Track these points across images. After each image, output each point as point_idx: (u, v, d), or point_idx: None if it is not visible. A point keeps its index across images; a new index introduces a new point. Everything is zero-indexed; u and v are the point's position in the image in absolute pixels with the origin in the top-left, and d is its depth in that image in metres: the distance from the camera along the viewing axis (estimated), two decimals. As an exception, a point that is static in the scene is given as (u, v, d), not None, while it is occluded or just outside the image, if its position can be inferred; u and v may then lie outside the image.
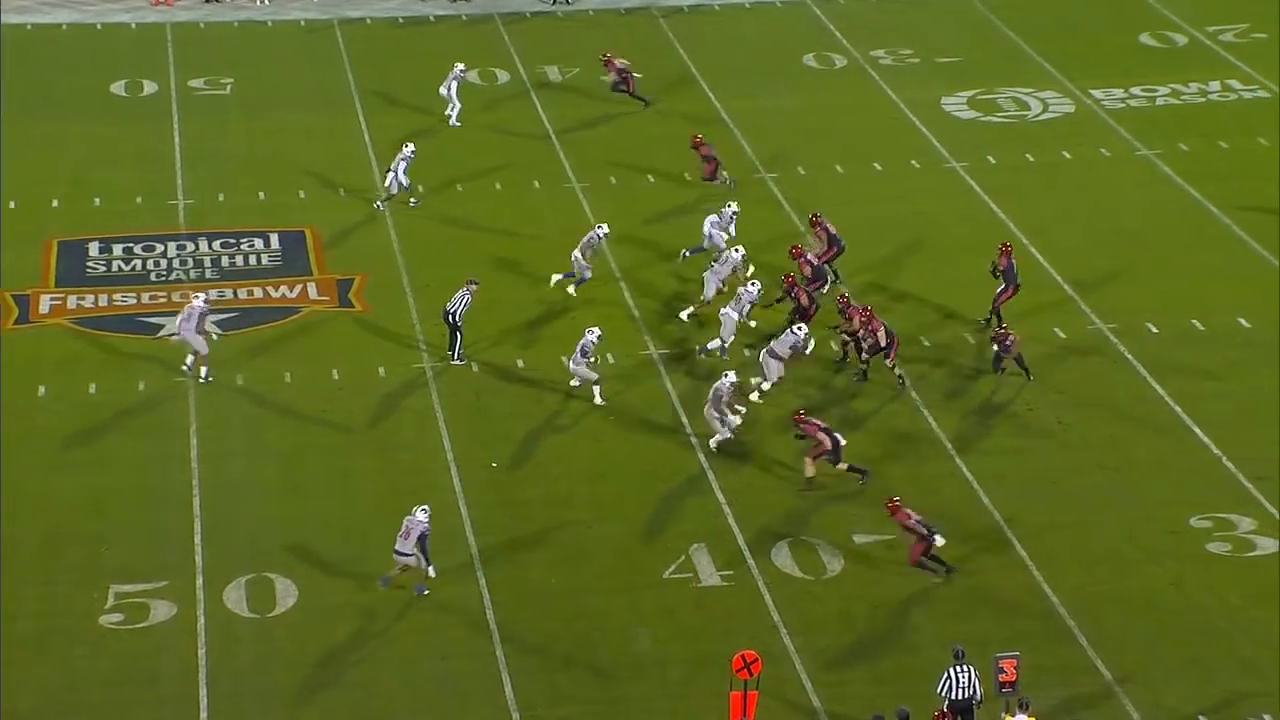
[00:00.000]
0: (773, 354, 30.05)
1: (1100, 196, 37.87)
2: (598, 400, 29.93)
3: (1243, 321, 32.73)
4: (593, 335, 30.11)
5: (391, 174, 37.07)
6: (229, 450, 29.10)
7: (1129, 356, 31.66)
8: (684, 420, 30.16)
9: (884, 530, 27.03)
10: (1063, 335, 32.53)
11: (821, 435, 27.78)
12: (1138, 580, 25.95)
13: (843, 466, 27.90)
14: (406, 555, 25.66)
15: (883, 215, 37.35)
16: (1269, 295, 33.66)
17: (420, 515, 25.71)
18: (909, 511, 25.87)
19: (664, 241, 36.27)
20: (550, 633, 25.28)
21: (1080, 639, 24.92)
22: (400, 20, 47.47)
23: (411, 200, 37.40)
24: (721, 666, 23.48)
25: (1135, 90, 43.32)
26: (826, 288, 32.90)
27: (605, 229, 34.02)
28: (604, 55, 42.47)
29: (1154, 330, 31.77)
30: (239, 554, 26.45)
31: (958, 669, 22.86)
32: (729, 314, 31.38)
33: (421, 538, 25.61)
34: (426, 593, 25.74)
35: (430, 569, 25.85)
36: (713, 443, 28.58)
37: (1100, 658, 24.57)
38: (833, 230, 33.80)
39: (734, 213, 34.74)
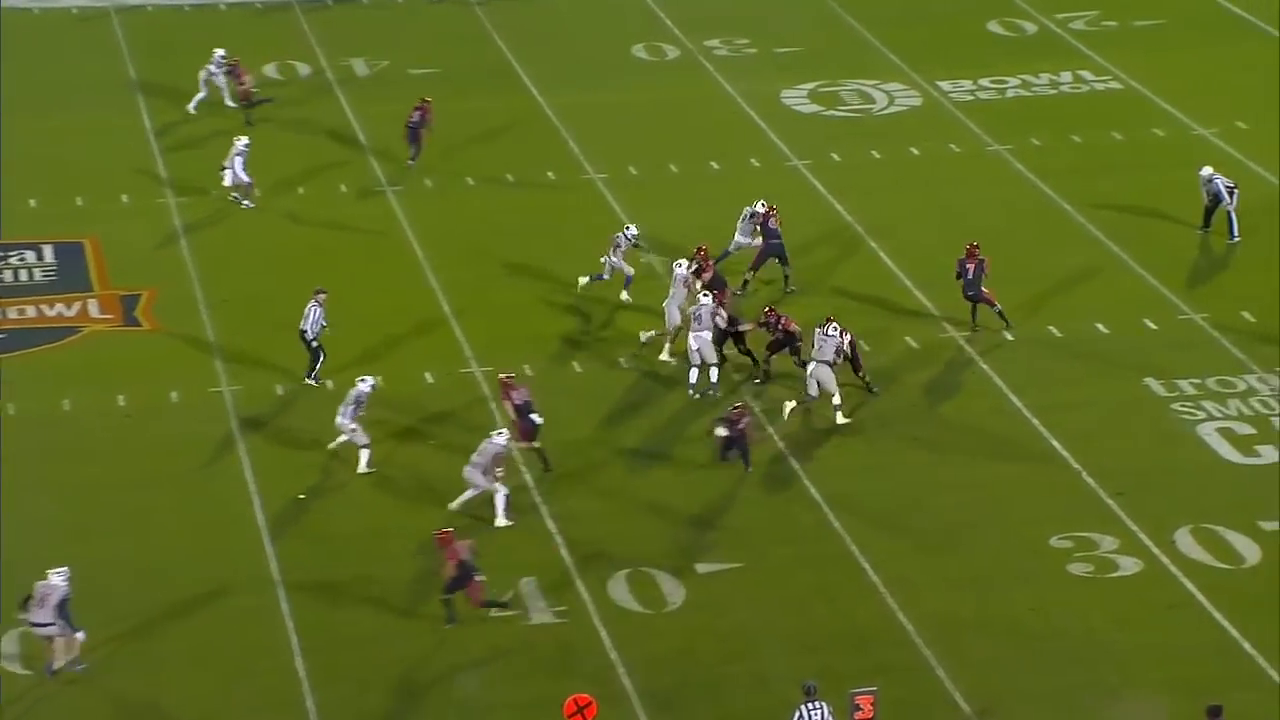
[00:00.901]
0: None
1: (950, 195, 38.28)
2: (363, 469, 28.67)
3: (1100, 327, 33.21)
4: (366, 385, 28.90)
5: (229, 170, 36.40)
6: (3, 488, 28.26)
7: (984, 366, 31.98)
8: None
9: (730, 558, 26.98)
10: (914, 344, 32.80)
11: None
12: (998, 605, 26.15)
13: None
14: (45, 626, 23.99)
15: (721, 218, 37.42)
16: (1127, 299, 34.19)
17: (56, 579, 24.10)
18: (460, 545, 25.41)
19: (484, 247, 36.07)
20: (366, 680, 24.86)
21: (939, 670, 25.04)
22: (185, 8, 46.74)
23: (245, 202, 36.72)
24: (554, 711, 23.21)
25: (984, 82, 43.89)
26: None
27: (634, 230, 33.90)
28: (231, 60, 41.00)
29: (1009, 337, 32.09)
30: (10, 605, 25.53)
31: (810, 706, 22.83)
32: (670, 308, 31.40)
33: (62, 603, 24.05)
34: (83, 668, 24.51)
35: (79, 634, 24.38)
36: (453, 505, 27.52)
37: (960, 689, 24.72)
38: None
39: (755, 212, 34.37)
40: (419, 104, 39.40)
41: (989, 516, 28.11)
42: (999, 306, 32.80)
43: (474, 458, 27.72)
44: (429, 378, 31.81)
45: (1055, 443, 29.77)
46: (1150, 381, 31.40)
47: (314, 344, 31.05)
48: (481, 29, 46.74)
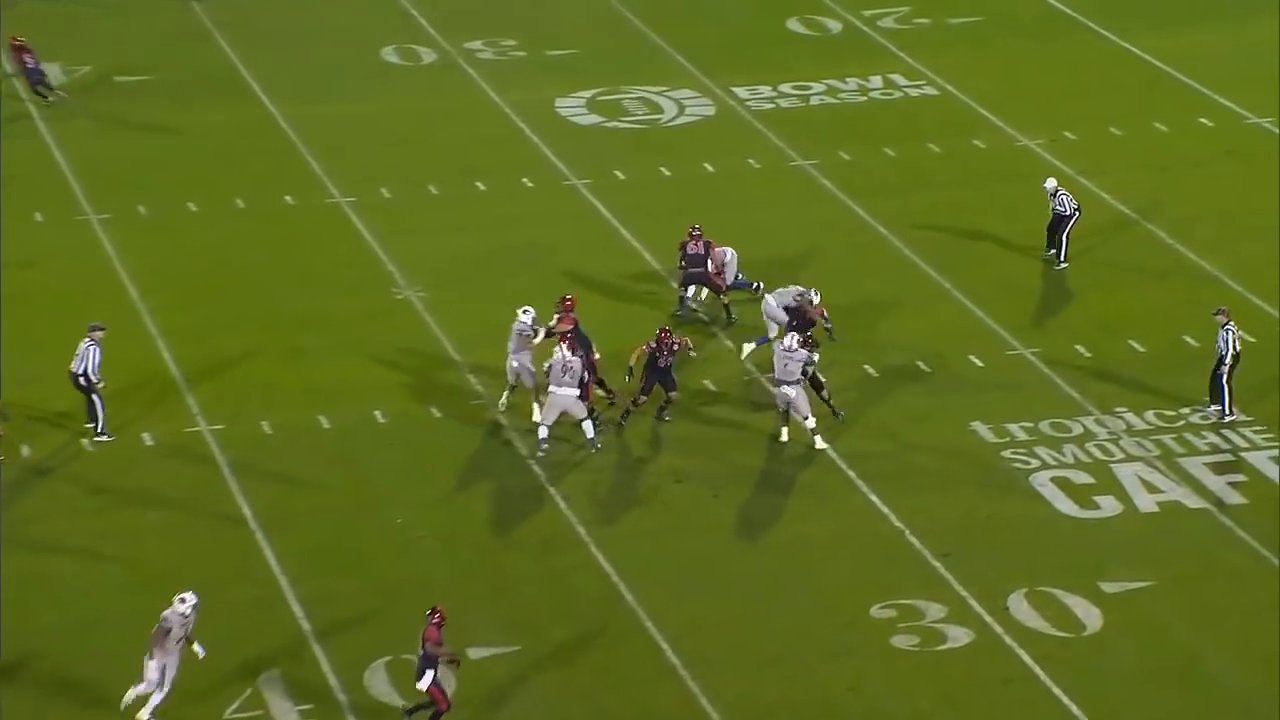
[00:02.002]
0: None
1: (750, 216, 38.63)
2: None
3: (920, 365, 33.77)
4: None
5: None
6: None
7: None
8: (246, 512, 29.72)
9: (505, 640, 27.01)
10: (712, 386, 33.14)
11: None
12: (811, 685, 26.35)
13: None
14: None
15: (490, 246, 37.47)
16: (950, 332, 34.73)
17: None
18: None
19: (210, 284, 35.85)
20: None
21: (747, 763, 25.29)
22: None
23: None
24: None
25: (785, 88, 44.46)
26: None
27: (732, 253, 34.11)
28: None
29: (820, 377, 32.55)
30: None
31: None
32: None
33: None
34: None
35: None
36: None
37: (771, 784, 25.00)
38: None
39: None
40: (16, 44, 39.23)
41: (799, 583, 28.32)
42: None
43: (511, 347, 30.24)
44: (148, 439, 31.51)
45: (873, 497, 30.19)
46: (977, 426, 31.90)
47: (93, 389, 30.60)
48: (200, 28, 46.37)
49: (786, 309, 32.96)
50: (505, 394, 31.99)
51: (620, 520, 29.71)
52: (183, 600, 25.20)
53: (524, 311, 31.68)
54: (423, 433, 31.80)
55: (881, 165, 41.01)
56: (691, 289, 34.86)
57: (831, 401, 31.70)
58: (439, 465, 30.98)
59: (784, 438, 31.18)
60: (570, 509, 29.89)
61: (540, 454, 30.80)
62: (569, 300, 32.06)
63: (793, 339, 30.99)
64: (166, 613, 25.16)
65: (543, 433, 30.84)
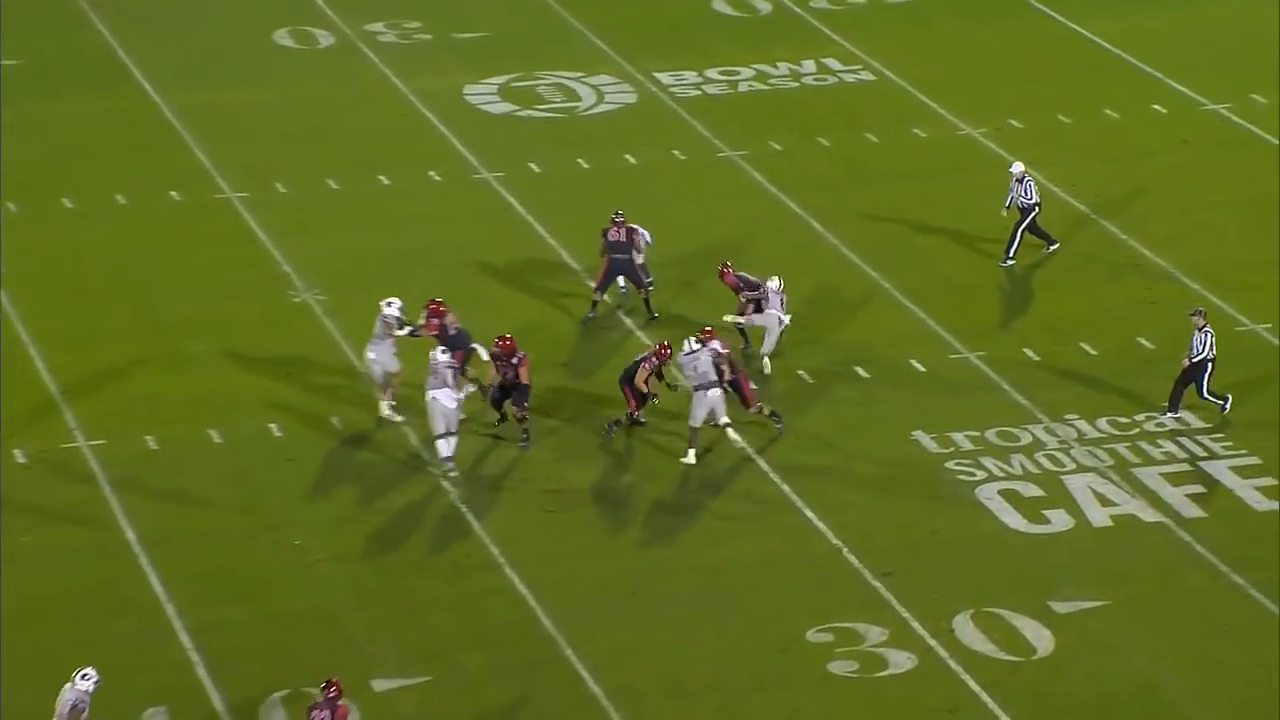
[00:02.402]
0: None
1: (674, 211, 38.65)
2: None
3: (859, 370, 33.78)
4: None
5: None
6: None
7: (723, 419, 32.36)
8: (130, 535, 29.40)
9: (414, 670, 26.86)
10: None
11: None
12: (745, 715, 26.31)
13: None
14: None
15: (394, 245, 37.30)
16: (889, 334, 34.83)
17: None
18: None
19: (89, 289, 35.59)
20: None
21: (675, 801, 25.29)
22: None
23: None
24: None
25: (712, 73, 44.51)
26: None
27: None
28: None
29: (751, 385, 32.46)
30: None
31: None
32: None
33: None
34: None
35: None
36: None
37: (704, 824, 24.94)
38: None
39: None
40: None
41: (730, 606, 28.28)
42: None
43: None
44: (20, 456, 31.20)
45: (808, 512, 30.14)
46: (919, 435, 31.95)
47: None
48: (76, 9, 46.00)
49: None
50: (382, 401, 31.92)
51: (537, 541, 29.62)
52: (85, 677, 24.62)
53: (388, 304, 31.85)
54: (322, 447, 31.67)
55: (816, 156, 41.08)
56: (622, 279, 34.78)
57: (767, 410, 31.48)
58: (340, 482, 30.84)
59: (690, 460, 30.88)
60: (483, 529, 29.78)
61: (451, 473, 30.60)
62: (437, 304, 31.98)
63: (690, 341, 30.76)
64: (69, 694, 24.54)
65: (443, 449, 30.64)
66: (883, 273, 36.61)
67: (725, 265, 33.90)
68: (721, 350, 31.08)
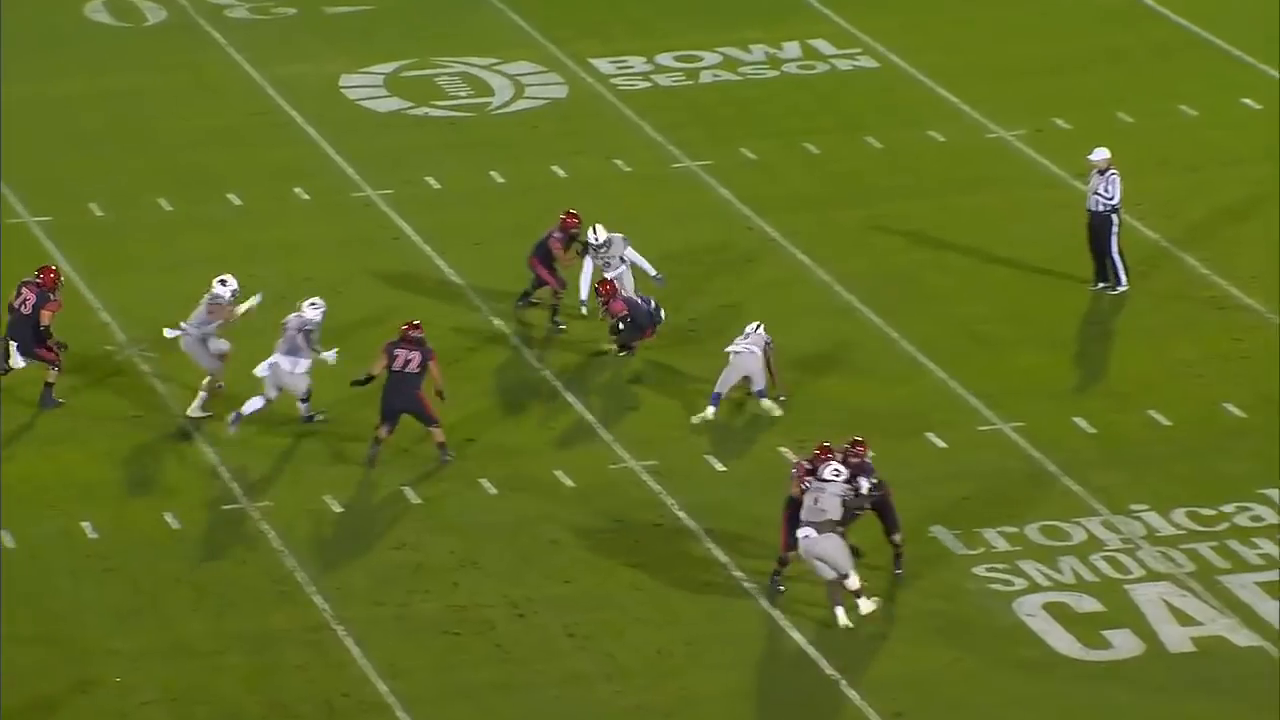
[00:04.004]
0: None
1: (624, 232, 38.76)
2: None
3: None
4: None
5: None
6: None
7: (680, 517, 32.21)
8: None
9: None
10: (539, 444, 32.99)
11: None
12: None
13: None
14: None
15: (247, 286, 37.01)
16: (898, 396, 34.94)
17: None
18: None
19: None
20: None
21: None
22: None
23: None
24: None
25: (665, 59, 44.91)
26: None
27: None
28: None
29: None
30: None
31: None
32: None
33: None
34: None
35: None
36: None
37: None
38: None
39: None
40: None
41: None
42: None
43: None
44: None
45: (796, 635, 29.95)
46: (938, 531, 31.93)
47: None
48: None
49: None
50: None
51: (441, 670, 29.39)
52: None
53: (221, 282, 33.76)
54: (150, 551, 31.60)
55: (800, 168, 41.33)
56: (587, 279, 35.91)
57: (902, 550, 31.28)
58: (174, 597, 30.75)
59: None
60: (366, 655, 29.64)
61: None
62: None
63: (825, 466, 30.29)
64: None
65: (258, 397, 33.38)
66: (888, 318, 36.82)
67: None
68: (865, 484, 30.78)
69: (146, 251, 38.29)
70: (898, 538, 30.81)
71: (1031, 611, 30.26)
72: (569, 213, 35.54)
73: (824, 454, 30.16)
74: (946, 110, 42.96)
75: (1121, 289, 36.90)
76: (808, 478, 30.11)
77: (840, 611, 29.98)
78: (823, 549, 29.79)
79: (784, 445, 33.38)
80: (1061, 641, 29.74)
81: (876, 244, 38.82)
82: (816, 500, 29.93)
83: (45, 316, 33.83)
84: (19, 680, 29.18)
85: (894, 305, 37.07)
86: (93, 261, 38.05)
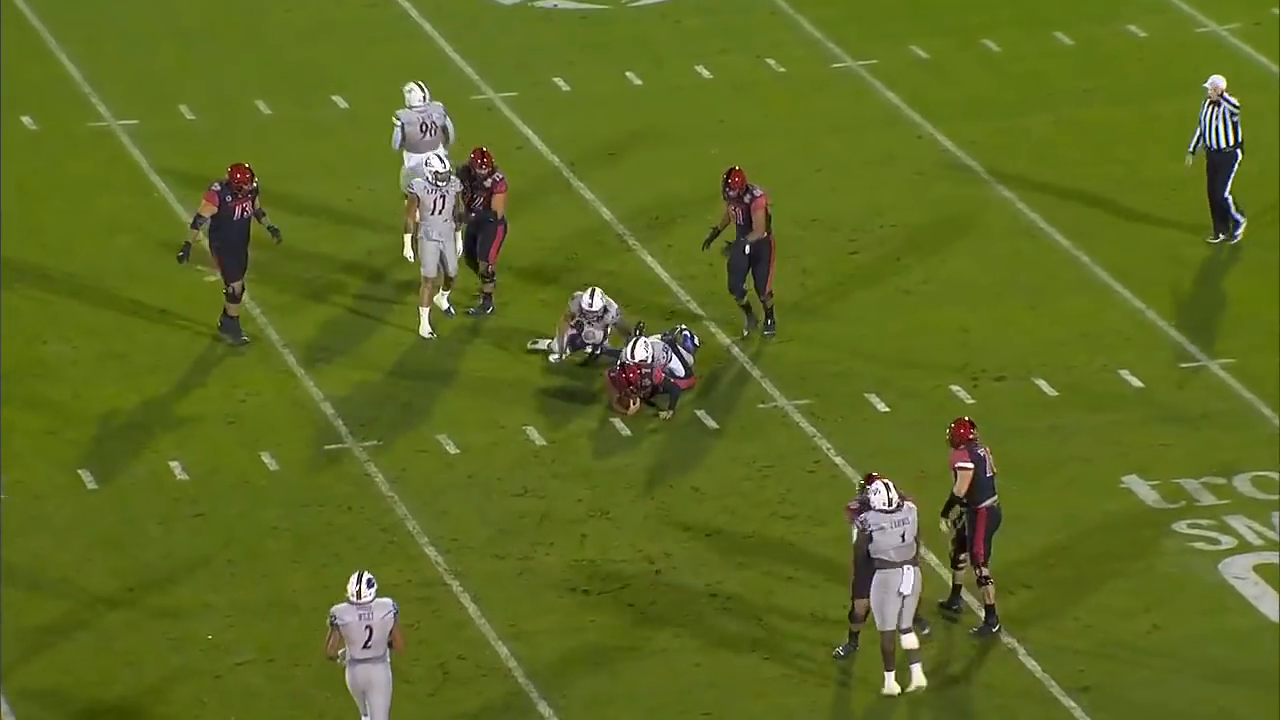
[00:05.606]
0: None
1: (767, 149, 39.06)
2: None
3: (1043, 385, 33.78)
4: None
5: None
6: None
7: (825, 444, 32.09)
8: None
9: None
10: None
11: None
12: None
13: None
14: None
15: (353, 198, 36.84)
16: (1092, 331, 35.06)
17: None
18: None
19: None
20: None
21: None
22: None
23: None
24: None
25: None
26: None
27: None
28: None
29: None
30: None
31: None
32: None
33: None
34: None
35: None
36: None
37: None
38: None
39: None
40: None
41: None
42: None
43: None
44: None
45: (967, 596, 29.73)
46: (1133, 482, 31.87)
47: None
48: None
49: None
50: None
51: (567, 632, 29.55)
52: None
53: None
54: (245, 496, 32.03)
55: (978, 68, 41.66)
56: None
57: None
58: (272, 547, 31.13)
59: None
60: (484, 614, 29.77)
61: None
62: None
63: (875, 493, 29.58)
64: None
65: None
66: (1076, 240, 36.97)
67: None
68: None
69: (242, 160, 38.07)
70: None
71: (1241, 574, 30.16)
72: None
73: (869, 481, 29.44)
74: (1148, 1, 42.52)
75: (1237, 239, 36.72)
76: (864, 514, 29.29)
77: (890, 677, 28.99)
78: (919, 586, 29.03)
79: (955, 384, 33.51)
80: (1275, 608, 29.56)
81: (1064, 155, 38.99)
82: (904, 536, 28.83)
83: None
84: (106, 638, 29.43)
85: (1083, 225, 37.21)
86: (183, 171, 38.45)
